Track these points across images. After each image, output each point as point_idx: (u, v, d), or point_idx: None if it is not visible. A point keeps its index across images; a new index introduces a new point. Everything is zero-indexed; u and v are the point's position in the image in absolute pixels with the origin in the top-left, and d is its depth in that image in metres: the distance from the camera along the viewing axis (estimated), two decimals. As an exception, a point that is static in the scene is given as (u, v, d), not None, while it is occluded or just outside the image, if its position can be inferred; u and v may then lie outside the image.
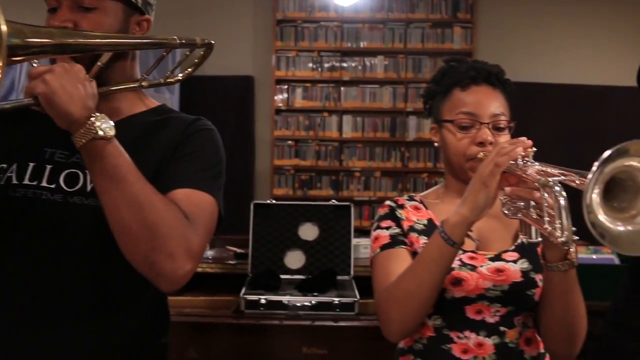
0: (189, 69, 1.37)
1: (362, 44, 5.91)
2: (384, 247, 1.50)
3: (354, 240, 3.11)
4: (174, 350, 2.67)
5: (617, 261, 3.17)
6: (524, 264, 1.46)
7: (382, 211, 1.59)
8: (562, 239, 1.04)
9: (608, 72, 5.26)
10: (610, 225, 0.96)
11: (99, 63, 1.28)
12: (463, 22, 5.89)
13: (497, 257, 1.48)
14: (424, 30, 5.89)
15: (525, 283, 1.44)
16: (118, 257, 1.19)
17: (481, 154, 1.45)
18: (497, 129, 1.49)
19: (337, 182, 5.88)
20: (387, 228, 1.53)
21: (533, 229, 1.23)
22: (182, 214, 1.20)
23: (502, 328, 1.44)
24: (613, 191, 0.99)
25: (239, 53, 5.95)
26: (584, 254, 3.43)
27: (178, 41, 1.32)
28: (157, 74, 1.45)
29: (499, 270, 1.44)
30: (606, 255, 3.35)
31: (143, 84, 1.38)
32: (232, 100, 5.91)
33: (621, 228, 0.97)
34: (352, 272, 3.06)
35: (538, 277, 1.44)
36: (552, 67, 5.80)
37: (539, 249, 1.41)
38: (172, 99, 5.13)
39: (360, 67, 5.92)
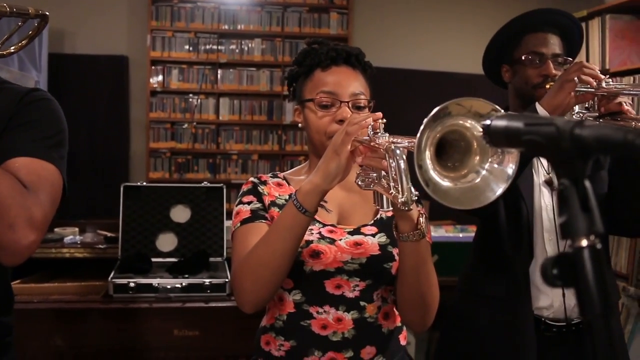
0: (23, 42, 1.30)
1: (239, 27, 5.88)
2: (244, 222, 1.51)
3: (227, 222, 3.10)
4: (38, 339, 2.62)
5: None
6: (381, 238, 1.51)
7: (245, 187, 1.60)
8: (402, 199, 1.09)
9: (474, 62, 5.53)
10: (440, 181, 1.02)
11: None
12: (339, 8, 5.99)
13: (356, 231, 1.52)
14: (301, 14, 5.95)
15: (383, 256, 1.49)
16: None
17: None
18: (357, 107, 1.54)
19: (214, 165, 5.85)
20: (249, 203, 1.55)
21: (384, 199, 1.27)
22: (19, 184, 1.17)
23: (362, 303, 1.49)
24: (449, 152, 1.05)
25: (112, 32, 5.77)
26: (451, 233, 3.63)
27: (8, 9, 1.24)
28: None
29: (357, 244, 1.49)
30: (471, 234, 3.55)
31: None
32: (105, 80, 5.72)
33: (450, 184, 1.03)
34: (225, 254, 3.06)
35: (395, 251, 1.49)
36: (425, 55, 6.03)
37: None
38: (39, 78, 4.88)
39: (237, 50, 5.89)
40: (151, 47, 5.73)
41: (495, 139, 0.68)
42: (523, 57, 1.96)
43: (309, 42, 1.66)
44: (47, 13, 1.31)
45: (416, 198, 1.13)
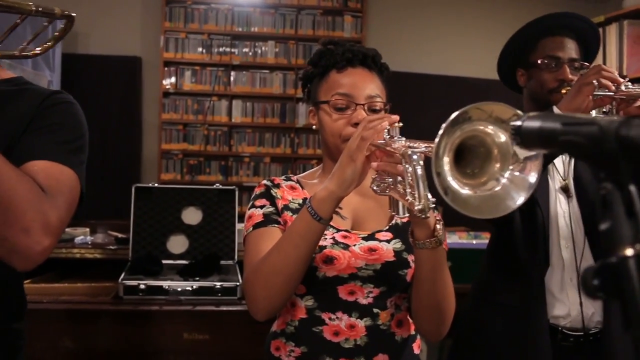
0: (48, 43, 1.28)
1: (253, 29, 5.86)
2: (257, 226, 1.48)
3: (239, 225, 3.07)
4: (46, 340, 2.60)
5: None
6: (396, 244, 1.48)
7: (258, 190, 1.57)
8: (419, 207, 1.05)
9: (489, 67, 5.49)
10: (459, 189, 0.98)
11: None
12: (353, 11, 5.96)
13: (371, 237, 1.49)
14: (315, 17, 5.92)
15: (398, 263, 1.46)
16: None
17: None
18: (372, 110, 1.51)
19: (226, 168, 5.82)
20: (261, 207, 1.52)
21: (400, 205, 1.23)
22: (37, 187, 1.14)
23: (375, 310, 1.45)
24: (467, 158, 1.01)
25: (126, 32, 5.77)
26: (465, 239, 3.59)
27: (34, 8, 1.22)
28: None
29: (371, 250, 1.46)
30: (485, 241, 3.51)
31: None
32: (118, 81, 5.72)
33: (469, 192, 0.99)
34: (236, 257, 3.04)
35: (410, 258, 1.46)
36: (439, 59, 5.98)
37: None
38: (52, 77, 4.88)
39: (250, 52, 5.87)
40: (164, 48, 5.72)
41: (527, 140, 0.64)
42: (539, 61, 1.94)
43: (324, 42, 1.62)
44: (74, 14, 1.29)
45: (433, 205, 1.09)
